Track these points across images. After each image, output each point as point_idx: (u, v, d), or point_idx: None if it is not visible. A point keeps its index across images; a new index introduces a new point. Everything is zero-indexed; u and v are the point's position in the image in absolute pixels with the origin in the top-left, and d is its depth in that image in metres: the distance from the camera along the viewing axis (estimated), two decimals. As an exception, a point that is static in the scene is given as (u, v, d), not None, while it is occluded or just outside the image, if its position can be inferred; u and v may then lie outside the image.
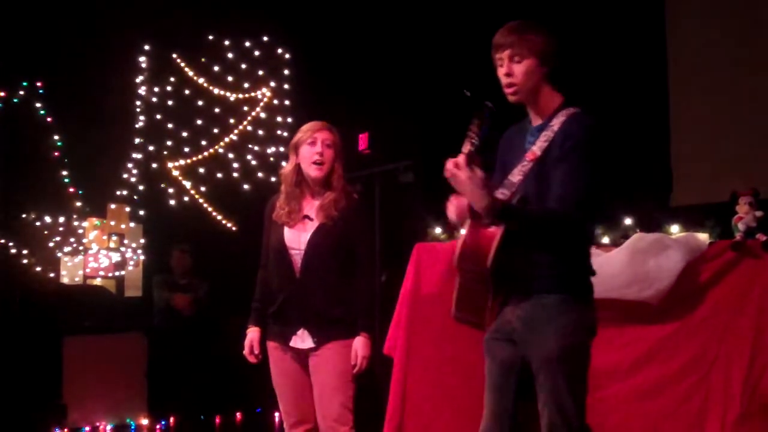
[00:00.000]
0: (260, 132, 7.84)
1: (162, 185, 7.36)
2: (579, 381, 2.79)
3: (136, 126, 7.26)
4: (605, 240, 4.24)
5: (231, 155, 7.69)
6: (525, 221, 2.73)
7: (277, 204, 3.70)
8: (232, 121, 7.71)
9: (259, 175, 7.74)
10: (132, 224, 7.31)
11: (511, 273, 2.78)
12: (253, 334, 3.73)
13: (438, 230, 4.64)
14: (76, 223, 6.92)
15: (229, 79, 7.70)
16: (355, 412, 3.62)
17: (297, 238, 3.62)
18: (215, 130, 7.64)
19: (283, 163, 7.45)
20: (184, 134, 7.47)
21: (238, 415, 7.12)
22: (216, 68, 7.65)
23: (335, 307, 3.57)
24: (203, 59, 7.60)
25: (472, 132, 2.66)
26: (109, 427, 6.67)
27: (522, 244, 2.76)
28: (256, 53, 7.87)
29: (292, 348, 3.62)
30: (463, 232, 2.84)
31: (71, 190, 6.82)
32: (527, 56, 2.82)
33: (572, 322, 2.77)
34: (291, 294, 3.61)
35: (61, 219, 6.82)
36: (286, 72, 8.01)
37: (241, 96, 7.76)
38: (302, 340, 3.60)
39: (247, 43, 7.81)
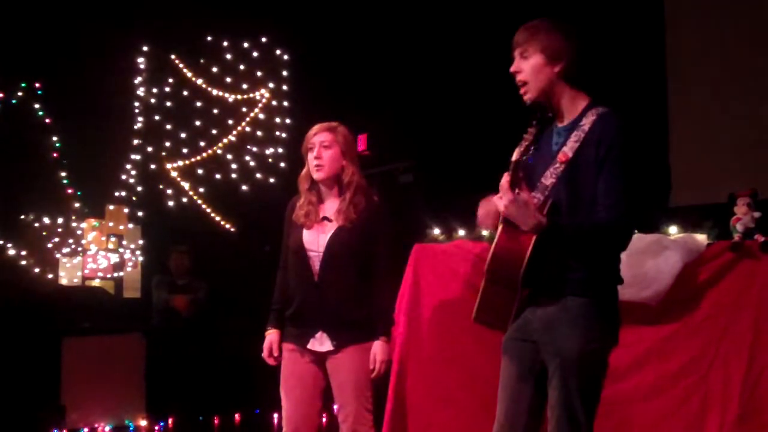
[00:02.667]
0: (259, 133, 7.84)
1: (160, 186, 7.36)
2: (593, 387, 2.76)
3: (135, 127, 7.26)
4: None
5: (229, 156, 7.69)
6: (576, 238, 2.69)
7: (297, 204, 3.69)
8: (230, 122, 7.72)
9: (258, 176, 7.74)
10: (130, 225, 7.31)
11: (542, 277, 2.75)
12: (272, 336, 3.70)
13: (437, 231, 4.64)
14: (74, 224, 6.92)
15: (228, 80, 7.70)
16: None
17: (316, 240, 3.60)
18: (214, 131, 7.64)
19: (282, 164, 7.61)
20: (183, 135, 7.48)
21: (237, 416, 7.11)
22: (214, 69, 7.65)
23: (354, 310, 3.56)
24: (202, 60, 7.60)
25: (526, 139, 2.63)
26: (107, 428, 6.67)
27: (556, 250, 2.73)
28: (255, 54, 7.87)
29: (309, 350, 3.61)
30: (488, 235, 2.82)
31: (70, 191, 6.82)
32: (534, 53, 2.81)
33: (594, 328, 2.73)
34: (309, 296, 3.59)
35: (60, 220, 6.83)
36: (284, 73, 8.01)
37: (239, 97, 7.76)
38: (320, 342, 3.58)
39: (246, 44, 7.81)
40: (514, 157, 2.63)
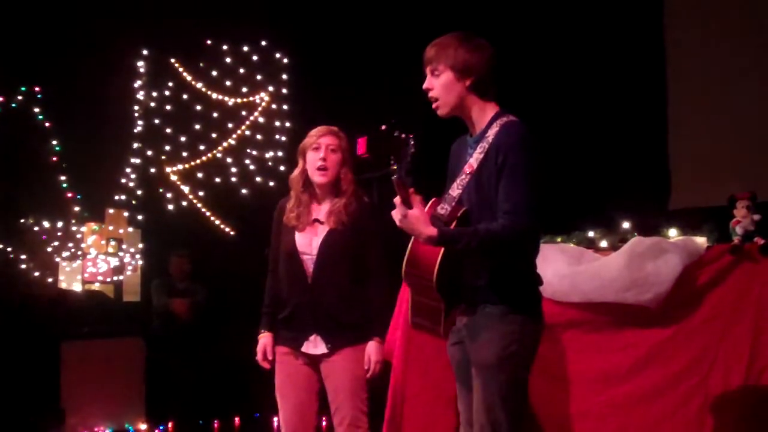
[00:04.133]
0: (258, 136, 7.84)
1: (160, 190, 7.36)
2: (513, 391, 2.81)
3: (135, 131, 7.26)
4: (603, 244, 4.24)
5: (229, 160, 7.68)
6: (467, 244, 2.72)
7: (287, 207, 3.69)
8: (230, 125, 7.71)
9: (258, 179, 7.73)
10: (130, 229, 7.30)
11: (456, 284, 2.84)
12: (265, 339, 3.71)
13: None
14: (74, 228, 6.91)
15: (228, 83, 7.70)
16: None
17: (308, 243, 3.61)
18: (213, 135, 7.64)
19: (282, 168, 7.61)
20: (183, 139, 7.47)
21: (237, 419, 7.11)
22: (214, 73, 7.64)
23: (348, 312, 3.57)
24: (201, 64, 7.60)
25: (392, 165, 2.69)
26: (107, 432, 6.67)
27: (465, 257, 2.81)
28: (254, 58, 7.87)
29: (303, 353, 3.61)
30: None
31: (69, 194, 6.82)
32: (444, 70, 2.87)
33: (511, 333, 2.79)
34: (303, 299, 3.59)
35: (60, 224, 6.82)
36: (284, 76, 8.01)
37: (239, 100, 7.76)
38: (315, 345, 3.59)
39: (245, 48, 7.81)
40: (394, 177, 2.69)
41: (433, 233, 2.70)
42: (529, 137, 2.80)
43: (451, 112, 2.92)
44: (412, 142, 2.69)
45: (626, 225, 4.27)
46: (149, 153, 7.29)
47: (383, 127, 2.77)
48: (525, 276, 2.90)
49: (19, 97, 6.65)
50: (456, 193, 2.85)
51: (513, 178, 2.73)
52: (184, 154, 7.48)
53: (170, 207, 7.37)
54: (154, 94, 7.37)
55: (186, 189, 7.47)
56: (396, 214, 2.75)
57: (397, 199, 2.73)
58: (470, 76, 2.85)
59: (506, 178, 2.74)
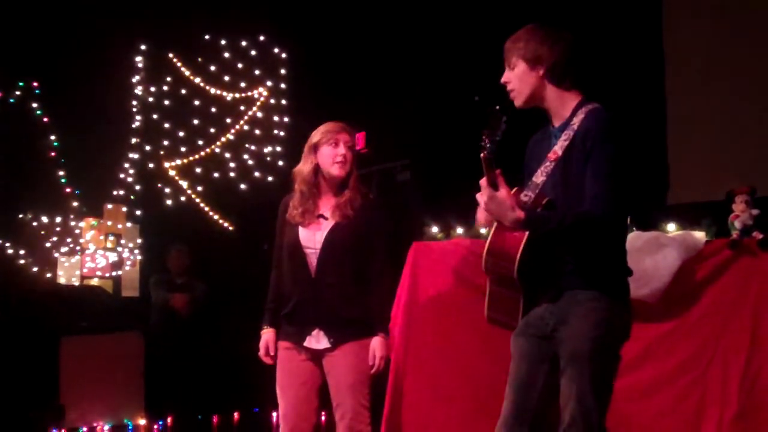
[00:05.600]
0: (257, 131, 7.84)
1: (159, 185, 7.36)
2: (605, 380, 2.78)
3: (133, 126, 7.26)
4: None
5: (228, 155, 7.68)
6: (553, 229, 2.71)
7: (291, 204, 3.69)
8: (228, 120, 7.71)
9: (256, 174, 7.73)
10: (129, 224, 7.30)
11: (539, 274, 2.80)
12: (268, 335, 3.72)
13: (435, 229, 4.64)
14: (72, 223, 6.91)
15: (226, 78, 7.70)
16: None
17: (312, 238, 3.61)
18: (212, 130, 7.64)
19: (280, 163, 7.61)
20: (181, 134, 7.47)
21: (236, 414, 7.11)
22: (212, 68, 7.64)
23: (351, 307, 3.57)
24: (199, 59, 7.60)
25: (484, 140, 2.65)
26: (106, 427, 6.66)
27: (549, 245, 2.78)
28: (253, 52, 7.86)
29: (306, 348, 3.61)
30: (488, 234, 2.85)
31: (68, 190, 6.82)
32: (517, 62, 2.90)
33: (603, 320, 2.76)
34: (306, 294, 3.60)
35: (58, 219, 6.82)
36: (282, 71, 8.00)
37: (237, 95, 7.76)
38: (317, 340, 3.60)
39: (244, 43, 7.81)
40: (482, 154, 2.66)
41: (520, 216, 2.66)
42: (618, 124, 2.81)
43: (527, 102, 2.92)
44: (504, 118, 2.65)
45: (625, 220, 4.27)
46: (148, 148, 7.29)
47: (476, 98, 2.75)
48: (615, 263, 2.88)
49: (17, 93, 6.65)
50: (540, 180, 2.83)
51: (600, 165, 2.73)
52: (183, 149, 7.48)
53: (169, 202, 7.37)
54: (153, 89, 7.36)
55: (185, 184, 7.47)
56: (482, 196, 2.70)
57: (483, 181, 2.68)
58: (542, 65, 2.87)
59: (593, 165, 2.74)
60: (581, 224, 2.72)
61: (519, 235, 2.73)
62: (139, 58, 7.32)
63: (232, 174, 7.68)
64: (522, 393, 2.89)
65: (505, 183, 2.70)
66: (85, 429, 6.53)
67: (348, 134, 3.67)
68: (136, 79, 7.30)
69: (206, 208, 7.57)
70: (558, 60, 2.88)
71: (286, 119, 7.93)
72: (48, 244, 6.78)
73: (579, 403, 2.73)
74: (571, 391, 2.74)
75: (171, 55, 7.48)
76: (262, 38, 7.85)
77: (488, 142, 2.64)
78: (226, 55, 7.73)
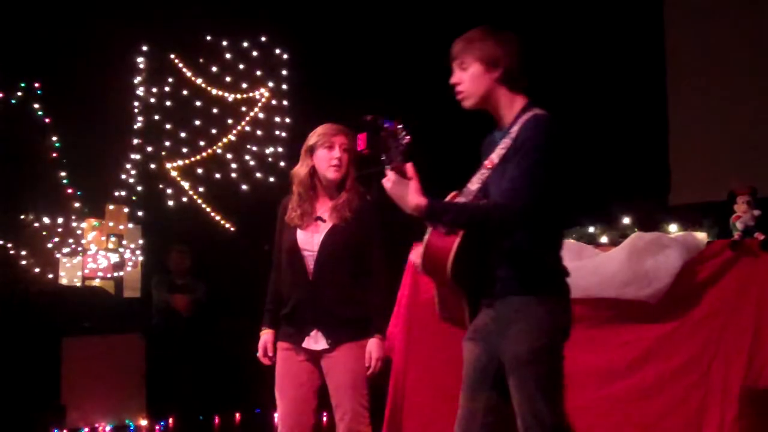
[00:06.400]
0: (258, 132, 7.85)
1: (160, 186, 7.36)
2: (551, 381, 2.79)
3: (135, 126, 7.26)
4: (604, 239, 4.24)
5: (229, 156, 7.69)
6: (453, 218, 2.70)
7: (289, 206, 3.70)
8: (230, 121, 7.72)
9: (258, 175, 7.74)
10: (130, 225, 7.31)
11: (473, 278, 2.80)
12: (266, 336, 3.71)
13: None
14: (74, 224, 6.92)
15: (227, 79, 7.70)
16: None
17: (310, 240, 3.61)
18: (213, 131, 7.64)
19: (282, 164, 7.61)
20: (183, 135, 7.48)
21: (237, 415, 7.12)
22: (214, 69, 7.65)
23: (348, 308, 3.57)
24: (201, 60, 7.60)
25: (384, 160, 2.67)
26: (108, 428, 6.67)
27: (483, 248, 2.77)
28: (254, 54, 7.87)
29: (304, 349, 3.61)
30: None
31: (69, 191, 6.82)
32: (472, 63, 2.85)
33: (541, 323, 2.77)
34: (304, 295, 3.60)
35: (60, 220, 6.82)
36: (284, 72, 8.01)
37: (239, 96, 7.76)
38: (315, 341, 3.59)
39: (245, 44, 7.82)
40: (388, 168, 2.69)
41: (422, 202, 2.66)
42: (553, 130, 2.77)
43: (477, 104, 2.89)
44: (403, 132, 2.65)
45: (626, 220, 4.28)
46: (149, 149, 7.30)
47: (368, 118, 2.74)
48: (547, 266, 2.86)
49: (19, 93, 6.65)
50: (475, 187, 2.81)
51: (521, 163, 2.70)
52: (184, 150, 7.48)
53: (170, 203, 7.37)
54: (154, 90, 7.37)
55: (186, 185, 7.47)
56: (386, 181, 2.70)
57: (388, 169, 2.69)
58: (499, 68, 2.84)
59: (517, 162, 2.71)
60: (481, 216, 2.70)
61: (451, 239, 2.73)
62: (140, 59, 7.33)
63: (233, 175, 7.69)
64: (470, 398, 2.92)
65: (417, 175, 2.69)
66: (86, 429, 6.54)
67: (345, 136, 3.64)
68: (137, 79, 7.31)
69: (208, 209, 7.58)
70: (514, 63, 2.85)
71: (287, 120, 7.93)
72: (50, 245, 6.78)
73: (529, 408, 2.75)
74: (520, 397, 2.77)
75: (172, 56, 7.48)
76: (263, 39, 7.86)
77: (391, 160, 2.65)
78: (228, 56, 7.74)
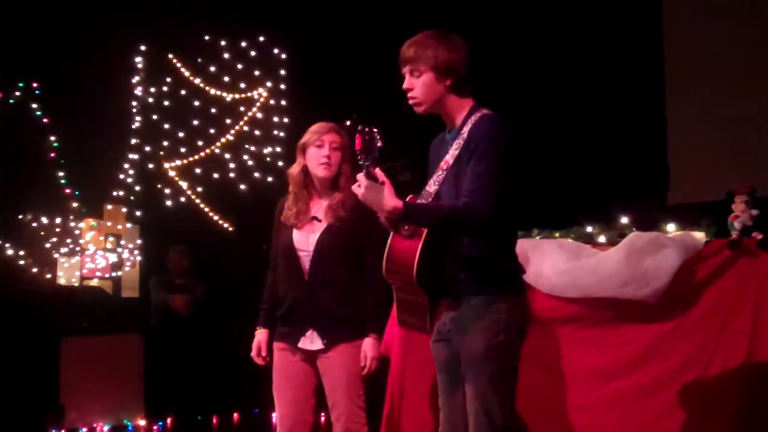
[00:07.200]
0: (257, 132, 7.85)
1: (159, 186, 7.37)
2: (505, 380, 2.84)
3: (133, 126, 7.26)
4: (602, 239, 4.24)
5: (227, 155, 7.69)
6: (430, 219, 2.75)
7: (286, 205, 3.70)
8: (228, 121, 7.72)
9: (256, 175, 7.74)
10: (129, 225, 7.31)
11: (436, 279, 2.85)
12: (261, 335, 3.72)
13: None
14: (72, 224, 6.92)
15: (226, 79, 7.71)
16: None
17: (305, 240, 3.61)
18: (211, 131, 7.65)
19: (280, 163, 7.61)
20: (181, 135, 7.48)
21: (236, 415, 7.12)
22: (212, 68, 7.65)
23: (344, 308, 3.57)
24: (199, 59, 7.61)
25: (361, 159, 2.68)
26: (106, 428, 6.67)
27: (443, 251, 2.83)
28: (252, 53, 7.88)
29: (300, 349, 3.61)
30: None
31: (68, 190, 6.82)
32: (425, 71, 2.88)
33: (498, 322, 2.82)
34: (299, 295, 3.60)
35: (58, 220, 6.83)
36: (282, 72, 8.02)
37: (237, 96, 7.77)
38: (311, 341, 3.59)
39: (243, 44, 7.82)
40: (361, 173, 2.71)
41: (398, 205, 2.69)
42: (501, 127, 2.81)
43: (429, 110, 2.94)
44: (378, 136, 2.67)
45: (625, 220, 4.28)
46: (147, 149, 7.30)
47: (348, 122, 2.77)
48: (504, 266, 2.92)
49: (17, 93, 6.65)
50: (432, 189, 2.87)
51: (478, 163, 2.75)
52: (183, 149, 7.49)
53: (168, 203, 7.38)
54: (152, 89, 7.37)
55: (184, 185, 7.48)
56: (358, 187, 2.73)
57: (360, 175, 2.71)
58: (451, 76, 2.87)
59: (473, 164, 2.76)
60: (455, 217, 2.73)
61: (414, 241, 2.79)
62: (138, 59, 7.33)
63: (231, 175, 7.69)
64: (448, 395, 2.98)
65: (387, 178, 2.72)
66: (84, 430, 6.53)
67: (336, 134, 3.64)
68: (136, 79, 7.31)
69: (206, 209, 7.58)
70: (464, 71, 2.89)
71: (285, 120, 7.94)
72: (48, 245, 6.78)
73: (481, 405, 2.80)
74: (473, 393, 2.82)
75: (171, 56, 7.49)
76: (261, 39, 7.86)
77: (366, 163, 2.67)
78: (226, 55, 7.74)
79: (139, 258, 7.34)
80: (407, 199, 2.82)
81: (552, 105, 6.45)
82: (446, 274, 2.88)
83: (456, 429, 2.95)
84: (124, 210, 7.29)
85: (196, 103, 7.57)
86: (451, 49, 2.88)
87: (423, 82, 2.88)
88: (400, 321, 3.04)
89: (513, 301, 2.89)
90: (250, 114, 7.83)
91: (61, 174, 6.78)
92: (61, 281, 6.94)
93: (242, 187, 7.68)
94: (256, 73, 7.88)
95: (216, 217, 7.62)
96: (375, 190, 2.70)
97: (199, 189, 7.55)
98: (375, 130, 2.67)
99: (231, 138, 7.70)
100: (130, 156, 7.20)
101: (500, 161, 2.76)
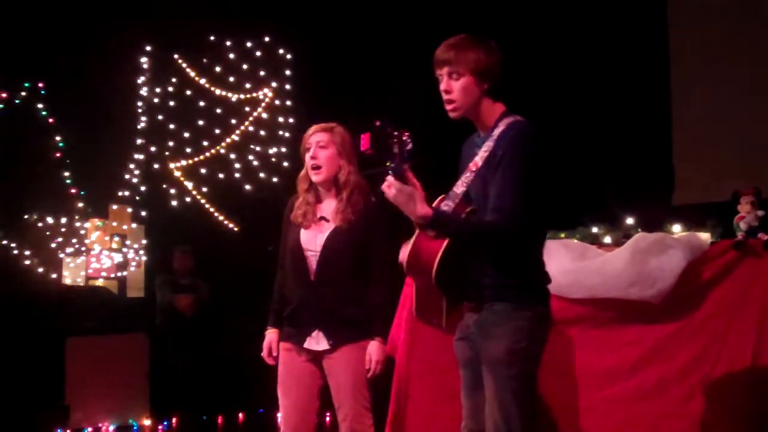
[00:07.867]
0: (262, 132, 7.85)
1: (164, 186, 7.38)
2: (524, 386, 2.85)
3: (138, 127, 7.27)
4: (607, 240, 4.23)
5: (233, 156, 7.70)
6: (457, 231, 2.79)
7: (295, 204, 3.70)
8: (233, 121, 7.73)
9: (261, 175, 7.74)
10: (134, 225, 7.33)
11: (457, 283, 2.87)
12: (271, 335, 3.71)
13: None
14: (78, 224, 6.93)
15: (231, 79, 7.72)
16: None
17: (313, 240, 3.60)
18: (217, 131, 7.65)
19: (285, 164, 7.62)
20: (186, 135, 7.49)
21: (241, 415, 7.12)
22: (217, 69, 7.66)
23: (350, 309, 3.56)
24: (205, 60, 7.62)
25: (389, 164, 2.71)
26: (111, 428, 6.68)
27: (466, 256, 2.84)
28: (258, 54, 7.88)
29: (306, 350, 3.61)
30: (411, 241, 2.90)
31: (73, 190, 6.84)
32: (465, 74, 2.88)
33: (520, 329, 2.83)
34: (306, 295, 3.59)
35: (63, 220, 6.84)
36: (287, 72, 8.02)
37: (242, 96, 7.77)
38: (317, 341, 3.59)
39: (249, 44, 7.82)
40: (389, 174, 2.73)
41: (428, 212, 2.72)
42: (531, 135, 2.82)
43: (464, 115, 2.94)
44: (408, 139, 2.70)
45: (630, 221, 4.27)
46: (153, 149, 7.31)
47: (377, 123, 2.76)
48: (529, 274, 2.92)
49: (23, 93, 6.67)
50: (460, 190, 2.87)
51: (506, 174, 2.77)
52: (188, 150, 7.50)
53: (174, 203, 7.39)
54: (158, 90, 7.38)
55: (189, 185, 7.48)
56: (389, 188, 2.73)
57: (389, 177, 2.73)
58: (488, 81, 2.88)
59: (500, 174, 2.78)
60: (482, 234, 2.79)
61: (438, 243, 2.80)
62: (144, 59, 7.34)
63: (237, 175, 7.69)
64: (470, 394, 2.99)
65: (420, 186, 2.75)
66: (90, 429, 6.55)
67: (323, 132, 3.61)
68: (141, 80, 7.32)
69: (211, 209, 7.59)
70: (499, 75, 2.91)
71: (290, 120, 7.94)
72: (53, 245, 6.79)
73: (500, 410, 2.81)
74: (493, 398, 2.83)
75: (176, 56, 7.49)
76: (267, 39, 7.86)
77: (395, 165, 2.69)
78: (231, 56, 7.75)
79: (144, 258, 7.35)
80: (436, 202, 2.84)
81: (557, 105, 6.44)
82: (469, 278, 2.89)
83: (478, 425, 2.95)
84: (130, 210, 7.30)
85: (202, 104, 7.58)
86: (490, 53, 2.89)
87: (462, 86, 2.88)
88: (417, 315, 3.05)
89: (537, 309, 2.89)
90: (255, 114, 7.83)
91: (66, 174, 6.80)
92: (67, 281, 6.96)
93: (247, 187, 7.68)
94: (262, 73, 7.88)
95: (221, 218, 7.63)
96: (406, 193, 2.71)
97: (205, 189, 7.56)
98: (406, 133, 2.69)
99: (236, 138, 7.70)
100: (136, 156, 7.22)
101: (527, 173, 2.77)
